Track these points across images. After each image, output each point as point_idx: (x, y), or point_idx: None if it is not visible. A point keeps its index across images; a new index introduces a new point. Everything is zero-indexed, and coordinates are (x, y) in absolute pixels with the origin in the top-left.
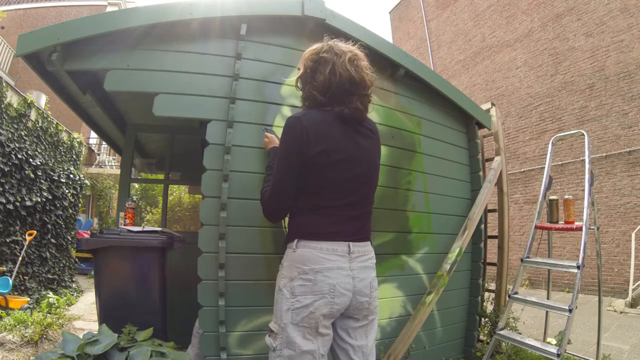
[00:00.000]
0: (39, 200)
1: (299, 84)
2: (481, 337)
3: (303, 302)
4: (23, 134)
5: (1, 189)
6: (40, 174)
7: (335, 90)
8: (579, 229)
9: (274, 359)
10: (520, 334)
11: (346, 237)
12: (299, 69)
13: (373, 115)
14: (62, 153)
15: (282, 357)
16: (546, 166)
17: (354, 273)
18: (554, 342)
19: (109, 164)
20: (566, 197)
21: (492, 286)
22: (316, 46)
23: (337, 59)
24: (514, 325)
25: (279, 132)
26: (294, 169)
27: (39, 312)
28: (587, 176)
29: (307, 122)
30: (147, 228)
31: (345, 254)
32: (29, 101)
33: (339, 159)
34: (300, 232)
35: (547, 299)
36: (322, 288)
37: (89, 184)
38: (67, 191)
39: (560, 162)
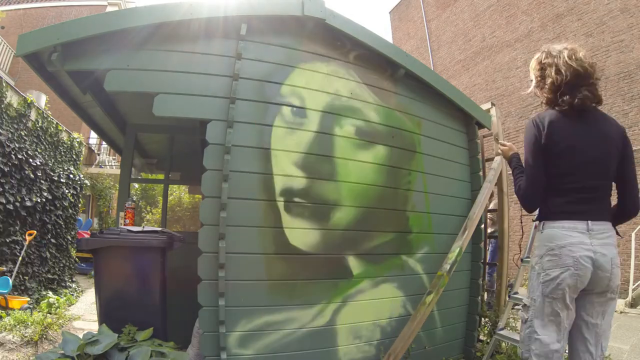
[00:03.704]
0: (39, 200)
1: (537, 93)
2: (481, 337)
3: (551, 274)
4: (23, 134)
5: (1, 189)
6: (40, 174)
7: (565, 87)
8: None
9: (524, 330)
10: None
11: (584, 216)
12: (531, 81)
13: (373, 115)
14: (62, 153)
15: (531, 327)
16: None
17: (595, 248)
18: None
19: (109, 164)
20: None
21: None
22: (537, 56)
23: (558, 60)
24: (514, 325)
25: (278, 131)
26: (539, 159)
27: (39, 312)
28: None
29: (538, 119)
30: (147, 228)
31: (584, 231)
32: (29, 101)
33: (566, 146)
34: (545, 212)
35: None
36: (566, 261)
37: (89, 184)
38: (67, 191)
39: None
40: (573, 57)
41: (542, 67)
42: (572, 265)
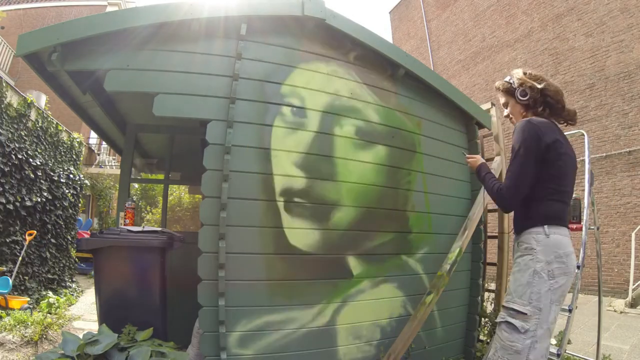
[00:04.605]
0: (39, 200)
1: (526, 95)
2: (481, 337)
3: (560, 282)
4: (23, 134)
5: (1, 189)
6: (40, 174)
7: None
8: (579, 229)
9: (523, 341)
10: None
11: (567, 222)
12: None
13: (373, 115)
14: (62, 153)
15: (535, 337)
16: None
17: None
18: (554, 342)
19: (109, 164)
20: None
21: (492, 286)
22: (525, 70)
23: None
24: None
25: (278, 131)
26: (533, 160)
27: (39, 312)
28: (587, 176)
29: (535, 121)
30: (147, 228)
31: (569, 237)
32: (29, 101)
33: (564, 151)
34: (546, 217)
35: None
36: (570, 269)
37: (89, 184)
38: (67, 191)
39: None
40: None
41: (537, 78)
42: (572, 273)
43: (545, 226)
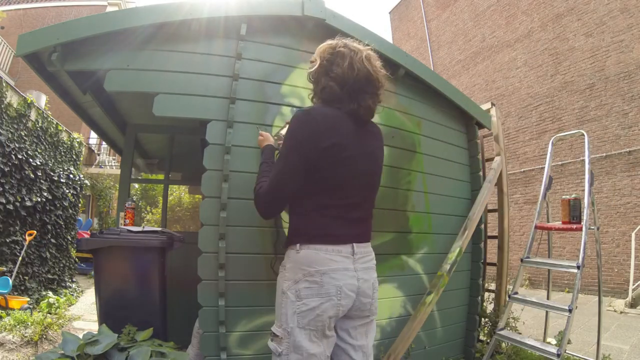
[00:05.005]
0: (39, 200)
1: (312, 77)
2: (481, 337)
3: (310, 304)
4: (23, 134)
5: (1, 189)
6: (40, 174)
7: (352, 85)
8: (579, 229)
9: None
10: (520, 334)
11: (350, 239)
12: (312, 62)
13: None
14: (62, 153)
15: None
16: (546, 166)
17: (358, 274)
18: (554, 342)
19: (109, 164)
20: (564, 197)
21: (492, 286)
22: (331, 42)
23: (354, 55)
24: (514, 325)
25: (276, 131)
26: (301, 162)
27: (39, 312)
28: (587, 176)
29: (317, 115)
30: (147, 228)
31: (349, 255)
32: (29, 101)
33: (347, 155)
34: (305, 234)
35: (547, 299)
36: (329, 290)
37: (89, 184)
38: (67, 191)
39: (560, 162)
40: (371, 60)
41: (334, 54)
42: (334, 295)
43: (299, 243)
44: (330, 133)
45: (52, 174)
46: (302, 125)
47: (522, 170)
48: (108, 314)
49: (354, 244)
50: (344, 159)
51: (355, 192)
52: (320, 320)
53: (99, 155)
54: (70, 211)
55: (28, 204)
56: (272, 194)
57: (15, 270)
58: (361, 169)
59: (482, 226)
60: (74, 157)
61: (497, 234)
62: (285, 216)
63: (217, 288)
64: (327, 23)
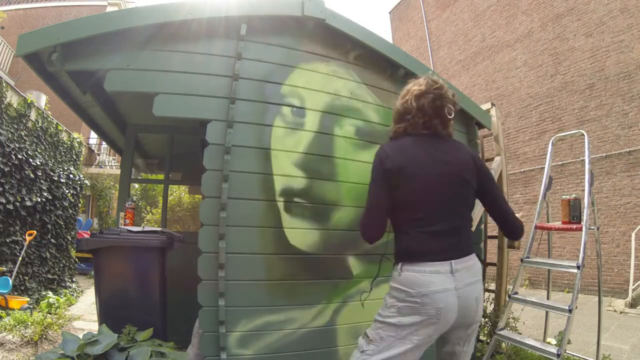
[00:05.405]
0: (39, 200)
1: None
2: (481, 337)
3: (409, 321)
4: (23, 134)
5: (1, 189)
6: (40, 174)
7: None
8: (579, 229)
9: (357, 357)
10: (520, 334)
11: (446, 255)
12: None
13: (373, 115)
14: (62, 153)
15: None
16: (546, 166)
17: (459, 292)
18: (554, 342)
19: (109, 164)
20: (564, 197)
21: (492, 286)
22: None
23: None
24: (514, 325)
25: (278, 131)
26: (379, 183)
27: (39, 312)
28: (587, 176)
29: (386, 146)
30: (147, 228)
31: (448, 272)
32: (29, 101)
33: (415, 173)
34: (403, 253)
35: (547, 299)
36: (429, 311)
37: (89, 184)
38: (67, 191)
39: (560, 162)
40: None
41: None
42: (434, 316)
43: (400, 264)
44: (397, 155)
45: (52, 174)
46: (376, 156)
47: (522, 170)
48: (108, 314)
49: (452, 262)
50: (413, 176)
51: (437, 205)
52: (416, 334)
53: (99, 155)
54: (70, 211)
55: (28, 204)
56: (368, 213)
57: (15, 270)
58: (438, 184)
59: (482, 226)
60: (74, 157)
61: (497, 234)
62: (285, 216)
63: (217, 288)
64: (327, 23)
